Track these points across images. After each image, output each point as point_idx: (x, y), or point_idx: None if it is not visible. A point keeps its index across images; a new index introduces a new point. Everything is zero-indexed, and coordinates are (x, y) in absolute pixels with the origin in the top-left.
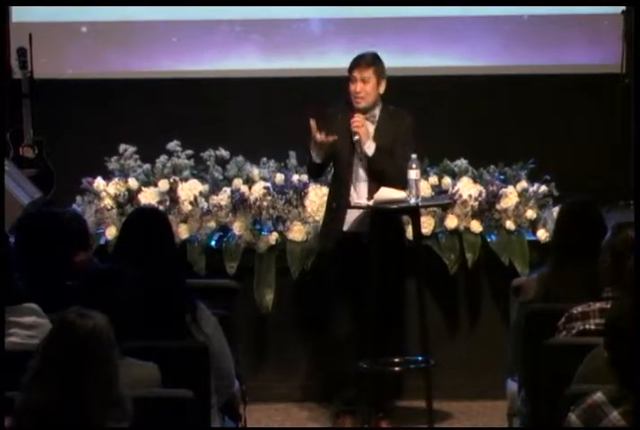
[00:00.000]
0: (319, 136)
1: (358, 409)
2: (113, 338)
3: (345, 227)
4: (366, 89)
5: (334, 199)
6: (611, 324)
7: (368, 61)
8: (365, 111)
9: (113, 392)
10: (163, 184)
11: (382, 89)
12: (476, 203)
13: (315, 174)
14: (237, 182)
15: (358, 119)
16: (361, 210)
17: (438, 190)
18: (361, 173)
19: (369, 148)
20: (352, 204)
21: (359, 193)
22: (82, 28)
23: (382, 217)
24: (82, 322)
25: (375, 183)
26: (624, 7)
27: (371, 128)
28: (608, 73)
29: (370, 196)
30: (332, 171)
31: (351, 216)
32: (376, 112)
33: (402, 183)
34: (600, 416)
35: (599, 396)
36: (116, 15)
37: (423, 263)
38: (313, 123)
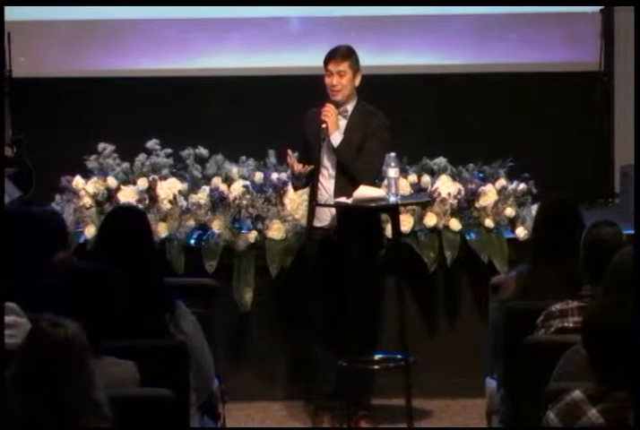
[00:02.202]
0: (297, 168)
1: (337, 405)
2: (86, 344)
3: (316, 223)
4: (342, 82)
5: (309, 197)
6: (589, 322)
7: (344, 54)
8: (340, 105)
9: (90, 398)
10: (142, 183)
11: (357, 82)
12: (455, 201)
13: (300, 189)
14: (217, 180)
15: (327, 109)
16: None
17: (417, 188)
18: (330, 169)
19: (335, 139)
20: (328, 202)
21: (328, 191)
22: (61, 26)
23: (360, 214)
24: (54, 330)
25: (344, 178)
26: (602, 6)
27: (343, 122)
28: (586, 71)
29: (338, 193)
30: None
31: (323, 213)
32: (350, 107)
33: (369, 179)
34: (578, 414)
35: (577, 394)
36: (94, 14)
37: (402, 261)
38: (291, 159)
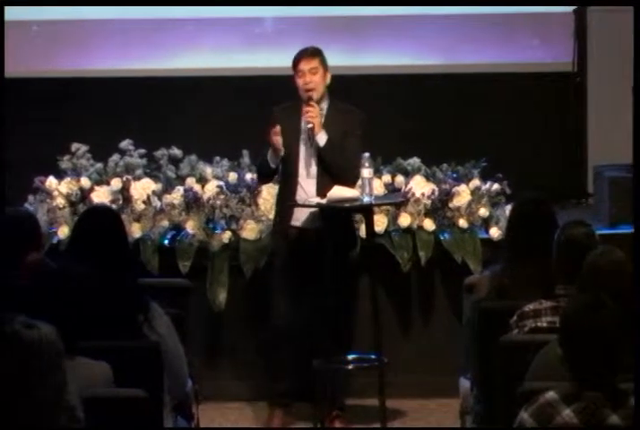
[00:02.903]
0: (277, 139)
1: (291, 402)
2: (60, 346)
3: (294, 223)
4: (315, 79)
5: (283, 196)
6: (566, 322)
7: (313, 52)
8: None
9: (63, 400)
10: (116, 183)
11: (328, 80)
12: (429, 202)
13: (266, 179)
14: (191, 181)
15: (311, 109)
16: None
17: (391, 188)
18: (311, 169)
19: (321, 139)
20: (306, 203)
21: (308, 191)
22: (34, 26)
23: (334, 215)
24: (28, 332)
25: (326, 178)
26: (575, 6)
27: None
28: (559, 71)
29: (320, 193)
30: (281, 169)
31: (300, 212)
32: (324, 106)
33: (353, 177)
34: (552, 414)
35: (550, 395)
36: (67, 14)
37: (376, 262)
38: (277, 128)
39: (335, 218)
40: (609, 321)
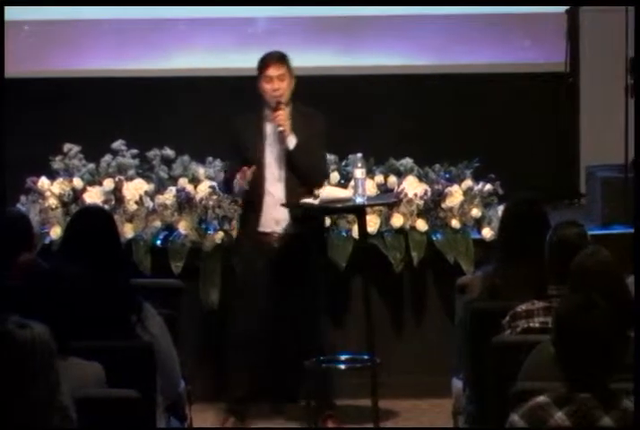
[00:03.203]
0: (248, 176)
1: (246, 409)
2: (53, 346)
3: (260, 229)
4: (282, 85)
5: (250, 201)
6: (558, 323)
7: (281, 58)
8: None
9: (56, 400)
10: (108, 184)
11: (293, 85)
12: (421, 202)
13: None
14: (183, 181)
15: (281, 113)
16: (277, 211)
17: (384, 189)
18: (278, 173)
19: (291, 142)
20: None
21: (275, 194)
22: (25, 26)
23: (305, 218)
24: (21, 331)
25: (293, 181)
26: (567, 7)
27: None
28: (551, 71)
29: (288, 196)
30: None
31: (265, 218)
32: (288, 110)
33: (321, 178)
34: (544, 417)
35: (542, 398)
36: (59, 14)
37: (369, 262)
38: (249, 171)
39: (306, 221)
40: (602, 321)
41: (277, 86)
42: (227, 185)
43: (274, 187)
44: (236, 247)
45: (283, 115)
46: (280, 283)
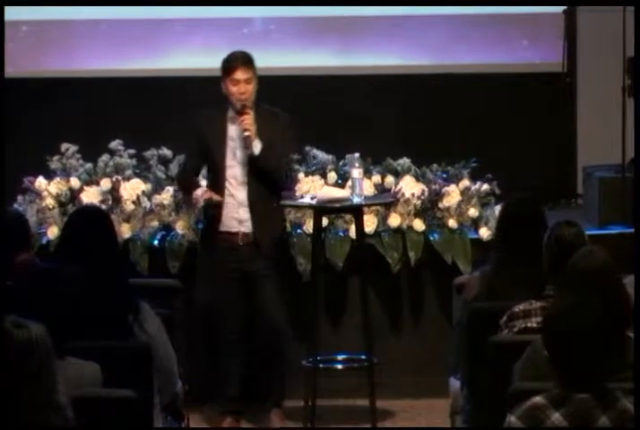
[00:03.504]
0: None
1: (242, 408)
2: (50, 346)
3: (222, 229)
4: (249, 89)
5: (210, 203)
6: (549, 324)
7: (249, 62)
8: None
9: (53, 400)
10: (105, 184)
11: (257, 87)
12: (419, 202)
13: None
14: None
15: (247, 117)
16: (239, 212)
17: (381, 189)
18: (239, 176)
19: (256, 147)
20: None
21: (238, 197)
22: (23, 27)
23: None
24: (18, 331)
25: (257, 184)
26: (565, 7)
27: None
28: (549, 71)
29: (251, 199)
30: (210, 177)
31: (227, 217)
32: (252, 114)
33: (284, 182)
34: (541, 418)
35: (538, 399)
36: (56, 14)
37: (366, 262)
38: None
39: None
40: (592, 321)
41: (244, 89)
42: (181, 185)
43: (237, 190)
44: (202, 248)
45: (249, 119)
46: (246, 284)
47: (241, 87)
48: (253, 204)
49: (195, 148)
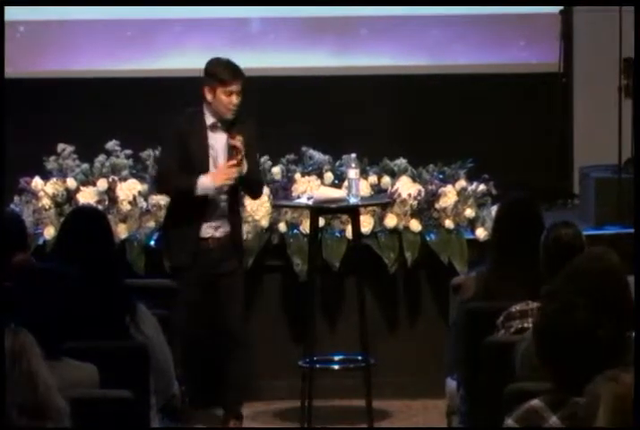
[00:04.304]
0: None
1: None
2: (36, 349)
3: (201, 234)
4: (239, 100)
5: (191, 210)
6: (538, 324)
7: (242, 73)
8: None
9: (49, 401)
10: (102, 184)
11: None
12: (415, 202)
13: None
14: None
15: (240, 138)
16: (217, 219)
17: (378, 189)
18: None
19: (244, 167)
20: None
21: (218, 204)
22: (20, 27)
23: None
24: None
25: (233, 192)
26: (561, 7)
27: (223, 135)
28: (545, 72)
29: (232, 206)
30: None
31: (204, 225)
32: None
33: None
34: (539, 421)
35: (536, 402)
36: (54, 15)
37: (363, 262)
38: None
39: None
40: (583, 323)
41: (236, 101)
42: (162, 187)
43: (217, 198)
44: (173, 252)
45: (241, 141)
46: (219, 287)
47: (234, 98)
48: (230, 211)
49: (175, 150)
